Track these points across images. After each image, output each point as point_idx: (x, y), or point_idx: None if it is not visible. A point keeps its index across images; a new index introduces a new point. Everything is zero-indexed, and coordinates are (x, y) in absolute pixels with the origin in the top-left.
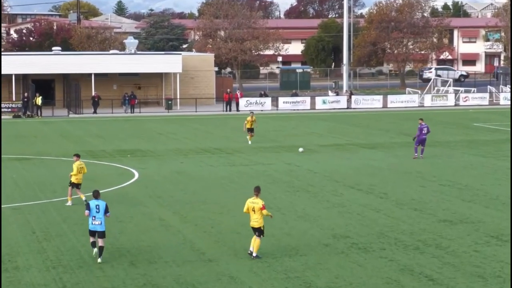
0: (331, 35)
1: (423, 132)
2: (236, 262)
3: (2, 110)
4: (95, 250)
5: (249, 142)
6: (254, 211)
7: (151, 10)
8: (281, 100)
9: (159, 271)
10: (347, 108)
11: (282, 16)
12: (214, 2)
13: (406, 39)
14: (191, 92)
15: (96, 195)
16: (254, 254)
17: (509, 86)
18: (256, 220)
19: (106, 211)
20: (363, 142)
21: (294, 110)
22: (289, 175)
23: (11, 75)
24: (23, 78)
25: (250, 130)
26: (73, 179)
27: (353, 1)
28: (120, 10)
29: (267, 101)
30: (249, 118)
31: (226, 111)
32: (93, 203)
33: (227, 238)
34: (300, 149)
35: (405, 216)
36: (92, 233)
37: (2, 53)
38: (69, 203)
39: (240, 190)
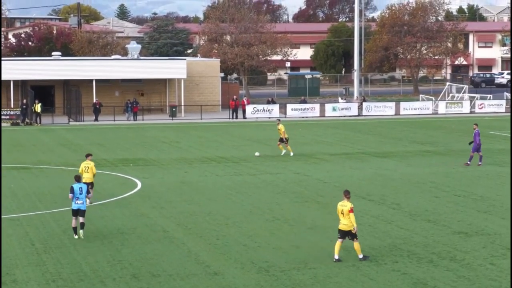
0: (341, 40)
1: (478, 138)
2: (242, 275)
3: (1, 117)
4: (76, 236)
5: (290, 153)
6: (343, 214)
7: (155, 13)
8: (289, 107)
9: (162, 284)
10: (358, 115)
11: (290, 20)
12: (220, 5)
13: (419, 44)
14: (196, 99)
15: (78, 178)
16: (360, 256)
17: None
18: (345, 224)
19: (88, 192)
20: (375, 151)
21: (302, 117)
22: (298, 185)
23: (9, 81)
24: (21, 84)
25: (282, 140)
26: (83, 180)
27: (364, 5)
28: (122, 14)
29: (275, 108)
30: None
31: (232, 118)
32: (76, 186)
33: (233, 250)
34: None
35: (418, 227)
36: (75, 212)
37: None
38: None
39: (246, 201)
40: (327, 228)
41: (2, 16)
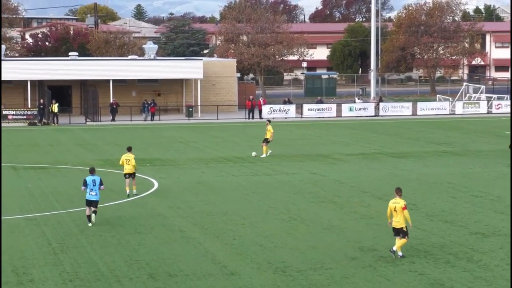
0: (358, 40)
1: None
2: (259, 275)
3: (18, 117)
4: (90, 224)
5: (263, 154)
6: (396, 211)
7: (171, 14)
8: (305, 107)
9: (179, 284)
10: (375, 115)
11: (307, 20)
12: (236, 5)
13: (436, 44)
14: (212, 99)
15: (92, 171)
16: (400, 254)
17: None
18: (398, 221)
19: (101, 184)
20: (392, 151)
21: (319, 117)
22: (314, 185)
23: (26, 81)
24: (38, 84)
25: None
26: (124, 170)
27: (381, 5)
28: (139, 14)
29: (291, 108)
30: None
31: (249, 118)
32: (89, 178)
33: (250, 250)
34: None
35: (435, 228)
36: (89, 203)
37: (18, 58)
38: (134, 191)
39: (263, 201)
40: (343, 229)
41: (19, 16)
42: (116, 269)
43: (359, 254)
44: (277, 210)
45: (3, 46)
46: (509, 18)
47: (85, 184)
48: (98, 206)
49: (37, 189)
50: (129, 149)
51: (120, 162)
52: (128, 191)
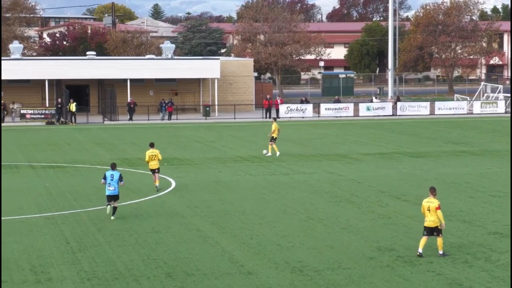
0: (375, 39)
1: None
2: (276, 275)
3: (36, 116)
4: (109, 209)
5: (269, 153)
6: (429, 210)
7: (188, 13)
8: (323, 106)
9: (196, 283)
10: (393, 115)
11: (324, 19)
12: (253, 5)
13: (454, 43)
14: (229, 99)
15: (113, 166)
16: (440, 252)
17: None
18: (432, 220)
19: (120, 179)
20: (409, 151)
21: (336, 117)
22: (332, 185)
23: (44, 80)
24: (56, 84)
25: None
26: (149, 166)
27: (399, 4)
28: (157, 14)
29: (309, 107)
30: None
31: (266, 118)
32: (108, 173)
33: (267, 250)
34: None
35: (453, 228)
36: (109, 198)
37: (36, 57)
38: (156, 184)
39: (280, 200)
40: (361, 228)
41: (37, 15)
42: (133, 268)
43: (376, 254)
44: (294, 210)
45: (20, 45)
46: None
47: (104, 178)
48: (118, 205)
49: (55, 188)
50: (152, 145)
51: (146, 159)
52: (158, 184)
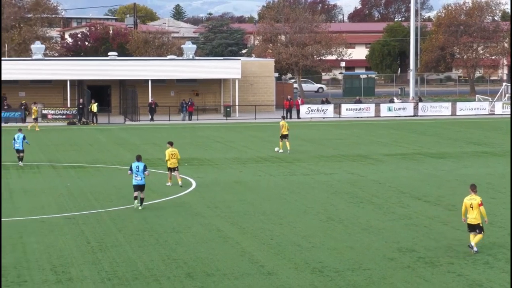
0: (397, 39)
1: None
2: (296, 275)
3: (57, 116)
4: (136, 203)
5: (281, 150)
6: (472, 207)
7: (210, 14)
8: (344, 107)
9: (216, 283)
10: (414, 115)
11: (345, 19)
12: (274, 5)
13: (476, 44)
14: (250, 99)
15: (138, 158)
16: (475, 249)
17: None
18: (474, 217)
19: (145, 169)
20: (431, 152)
21: (357, 117)
22: (353, 186)
23: (65, 80)
24: (78, 84)
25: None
26: (168, 164)
27: (420, 4)
28: (178, 14)
29: (329, 108)
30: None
31: (287, 118)
32: (134, 164)
33: (287, 250)
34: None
35: None
36: (136, 188)
37: (57, 58)
38: (168, 183)
39: (300, 201)
40: (381, 229)
41: (59, 16)
42: (154, 268)
43: (397, 254)
44: (314, 210)
45: (42, 46)
46: None
47: (131, 169)
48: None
49: (76, 188)
50: (171, 144)
51: (167, 158)
52: (180, 182)
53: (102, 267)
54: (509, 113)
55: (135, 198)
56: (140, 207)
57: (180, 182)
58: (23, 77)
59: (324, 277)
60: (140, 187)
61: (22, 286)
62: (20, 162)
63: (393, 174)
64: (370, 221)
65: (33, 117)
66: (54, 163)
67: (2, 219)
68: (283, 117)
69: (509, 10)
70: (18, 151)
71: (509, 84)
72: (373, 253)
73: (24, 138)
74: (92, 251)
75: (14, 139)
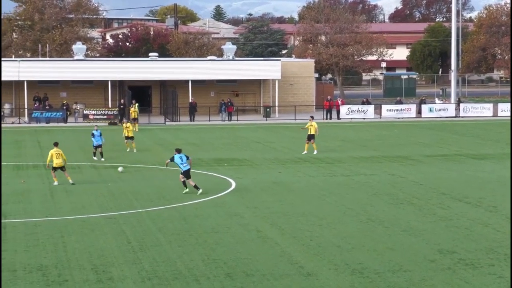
0: (438, 40)
1: None
2: (336, 277)
3: (98, 117)
4: (186, 189)
5: (305, 151)
6: None
7: (250, 14)
8: (384, 107)
9: (256, 284)
10: (455, 116)
11: (386, 20)
12: (315, 6)
13: None
14: (290, 100)
15: (179, 151)
16: None
17: None
18: None
19: (187, 158)
20: (472, 153)
21: (398, 118)
22: (393, 187)
23: (107, 81)
24: (119, 85)
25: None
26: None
27: (462, 5)
28: (218, 15)
29: (370, 108)
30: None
31: (327, 119)
32: (177, 156)
33: (327, 251)
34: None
35: None
36: (185, 173)
37: (99, 58)
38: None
39: (340, 202)
40: (422, 231)
41: (100, 16)
42: (194, 268)
43: (438, 256)
44: (354, 211)
45: (83, 46)
46: None
47: (172, 159)
48: (177, 205)
49: (117, 188)
50: (56, 144)
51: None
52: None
53: (142, 266)
54: None
55: (184, 183)
56: (200, 191)
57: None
58: (65, 77)
59: (364, 278)
60: (187, 172)
61: (63, 286)
62: (101, 158)
63: (433, 175)
64: (411, 222)
65: (132, 117)
66: (95, 163)
67: (44, 219)
68: (312, 117)
69: None
70: (97, 146)
71: None
72: (413, 254)
73: (100, 134)
74: (133, 250)
75: (93, 135)
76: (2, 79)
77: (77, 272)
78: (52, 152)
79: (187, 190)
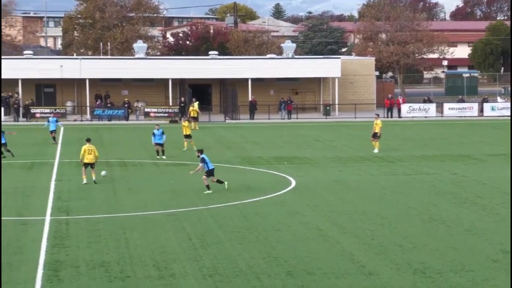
0: (499, 38)
1: None
2: (398, 276)
3: (159, 115)
4: (227, 184)
5: (376, 150)
6: None
7: (310, 12)
8: (446, 106)
9: (317, 282)
10: None
11: (447, 18)
12: (375, 3)
13: None
14: (350, 98)
15: (202, 151)
16: None
17: None
18: None
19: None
20: None
21: (460, 117)
22: (455, 186)
23: (167, 79)
24: (179, 83)
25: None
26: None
27: None
28: (278, 13)
29: (432, 107)
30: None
31: (387, 117)
32: (205, 156)
33: (389, 251)
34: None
35: None
36: (213, 171)
37: (159, 57)
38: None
39: (402, 201)
40: (485, 231)
41: (160, 15)
42: (254, 266)
43: (501, 256)
44: (416, 211)
45: (144, 45)
46: None
47: (203, 161)
48: (237, 202)
49: (179, 185)
50: (89, 140)
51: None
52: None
53: (203, 263)
54: None
55: (218, 181)
56: (226, 185)
57: (94, 177)
58: (126, 75)
59: (426, 278)
60: (212, 172)
61: (125, 281)
62: (163, 155)
63: (496, 174)
64: (474, 222)
65: (192, 115)
66: (157, 161)
67: (107, 215)
68: (377, 115)
69: None
70: (157, 144)
71: None
72: (476, 254)
73: (162, 133)
74: (194, 247)
75: (154, 134)
76: (66, 77)
77: (139, 268)
78: (84, 147)
79: (210, 191)
